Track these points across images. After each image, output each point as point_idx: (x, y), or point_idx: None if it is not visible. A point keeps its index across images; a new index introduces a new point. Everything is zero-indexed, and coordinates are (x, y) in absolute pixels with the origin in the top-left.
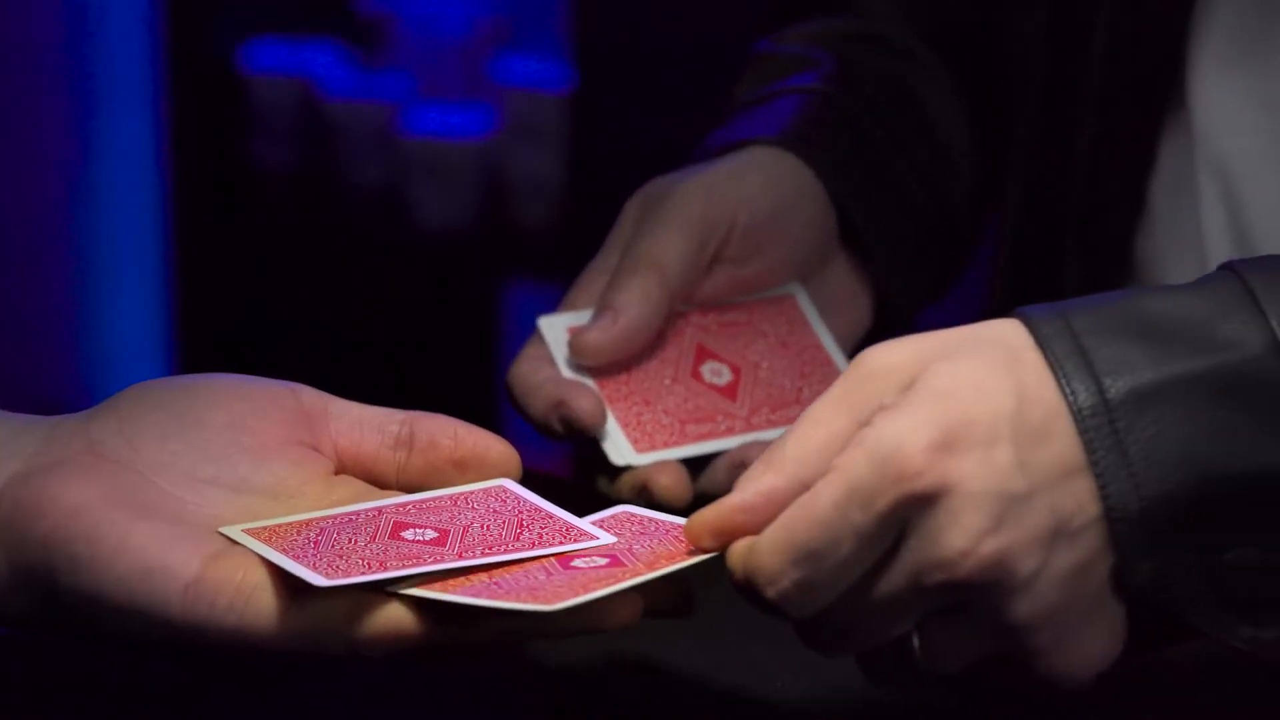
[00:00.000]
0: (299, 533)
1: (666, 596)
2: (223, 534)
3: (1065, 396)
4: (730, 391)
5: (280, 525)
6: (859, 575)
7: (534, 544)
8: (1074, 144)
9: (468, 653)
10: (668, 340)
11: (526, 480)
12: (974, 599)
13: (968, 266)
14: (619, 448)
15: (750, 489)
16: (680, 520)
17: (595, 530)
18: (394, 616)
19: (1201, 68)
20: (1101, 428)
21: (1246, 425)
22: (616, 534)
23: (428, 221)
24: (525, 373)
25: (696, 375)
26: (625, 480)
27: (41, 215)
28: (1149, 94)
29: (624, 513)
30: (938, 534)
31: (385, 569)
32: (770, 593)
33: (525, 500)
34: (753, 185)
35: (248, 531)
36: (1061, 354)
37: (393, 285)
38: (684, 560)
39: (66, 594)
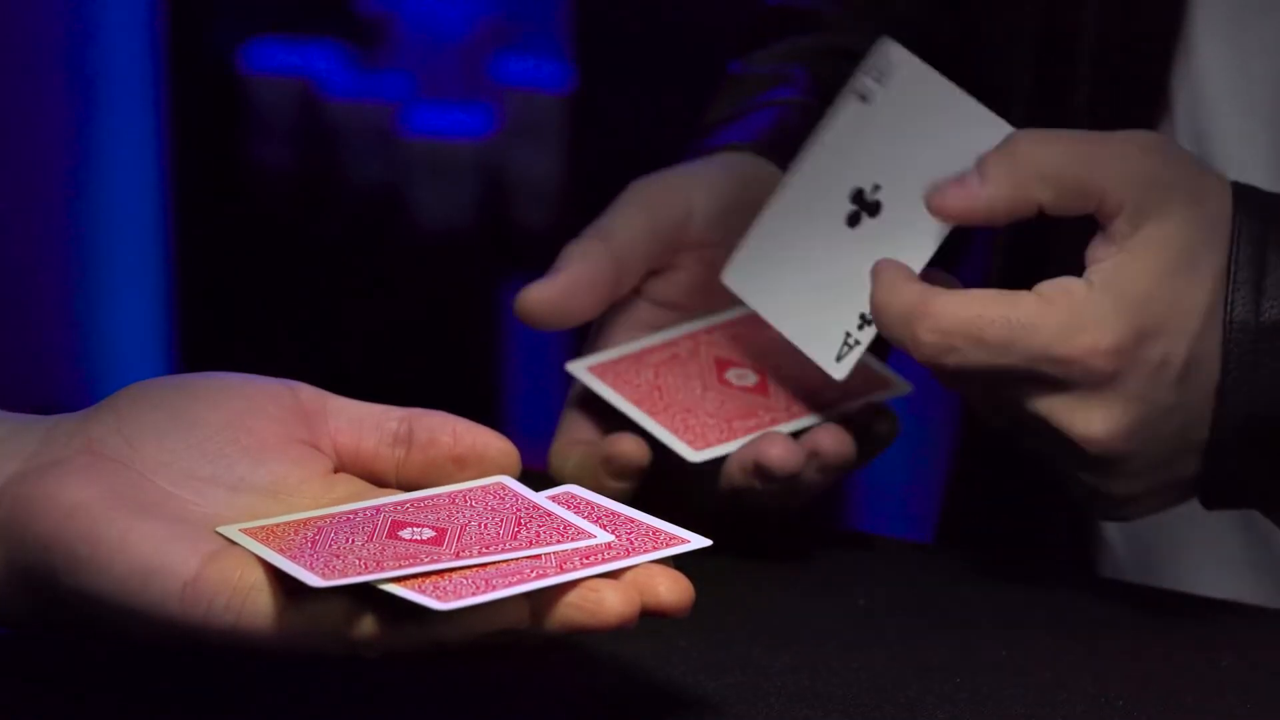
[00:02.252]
0: (296, 532)
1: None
2: (220, 534)
3: (1224, 304)
4: (761, 389)
5: (277, 525)
6: (1000, 378)
7: (531, 542)
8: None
9: (465, 653)
10: (684, 360)
11: (527, 479)
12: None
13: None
14: (680, 450)
15: (999, 188)
16: (627, 509)
17: (593, 529)
18: (392, 617)
19: (1198, 48)
20: (1244, 345)
21: None
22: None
23: (428, 221)
24: (561, 454)
25: (724, 382)
26: (734, 461)
27: (41, 215)
28: (1140, 87)
29: (567, 493)
30: (1087, 408)
31: (381, 569)
32: (926, 337)
33: (524, 498)
34: (714, 174)
35: (245, 531)
36: (1242, 259)
37: (392, 285)
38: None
39: (65, 594)
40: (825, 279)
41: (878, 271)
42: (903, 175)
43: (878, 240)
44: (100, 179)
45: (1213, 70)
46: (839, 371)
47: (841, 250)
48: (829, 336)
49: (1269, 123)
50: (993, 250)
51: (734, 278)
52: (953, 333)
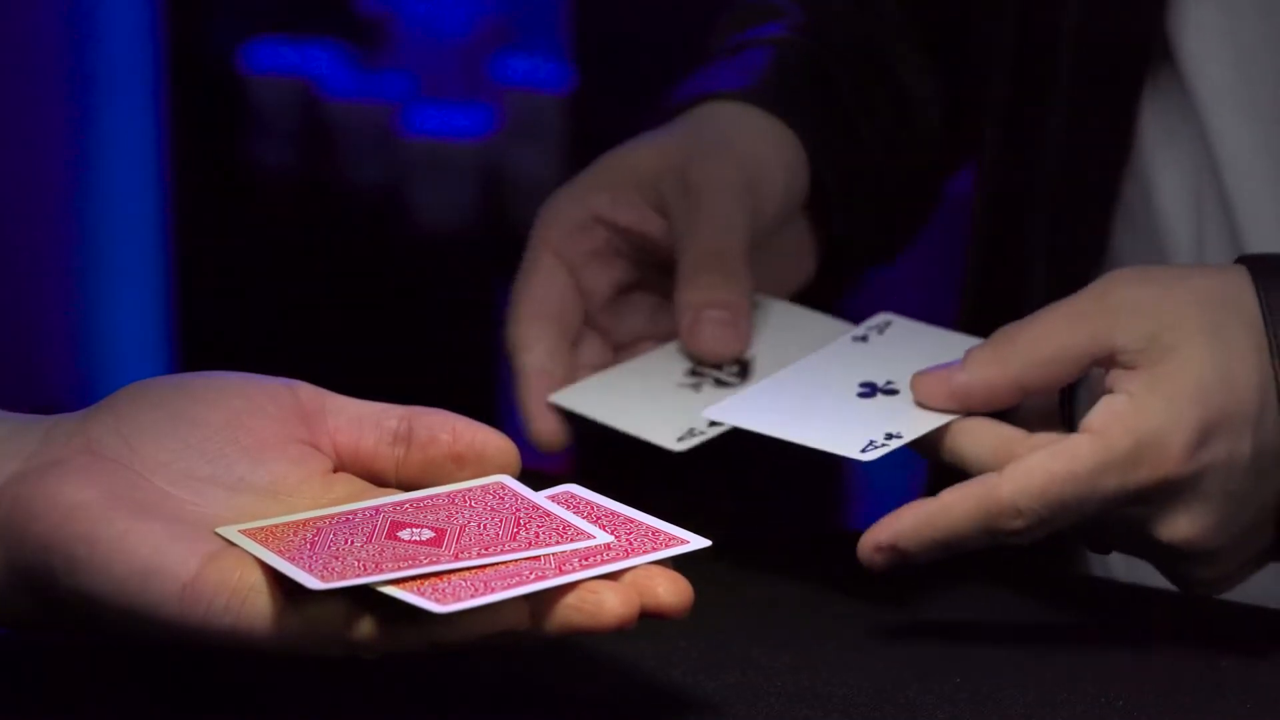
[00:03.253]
0: (295, 533)
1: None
2: (219, 535)
3: (1275, 380)
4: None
5: (277, 525)
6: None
7: (530, 543)
8: (1047, 120)
9: (462, 653)
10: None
11: (526, 478)
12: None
13: (921, 229)
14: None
15: (977, 373)
16: (626, 509)
17: (592, 529)
18: (390, 618)
19: (1183, 13)
20: None
21: None
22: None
23: (428, 221)
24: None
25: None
26: None
27: (41, 215)
28: (1119, 93)
29: (567, 492)
30: (1172, 516)
31: (380, 570)
32: (1011, 525)
33: (523, 498)
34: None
35: (244, 532)
36: (1278, 330)
37: (392, 285)
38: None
39: (64, 594)
40: (838, 408)
41: (938, 510)
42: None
43: (893, 410)
44: (100, 179)
45: (1207, 69)
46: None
47: (853, 410)
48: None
49: (1268, 121)
50: (965, 267)
51: (722, 412)
52: (1033, 511)
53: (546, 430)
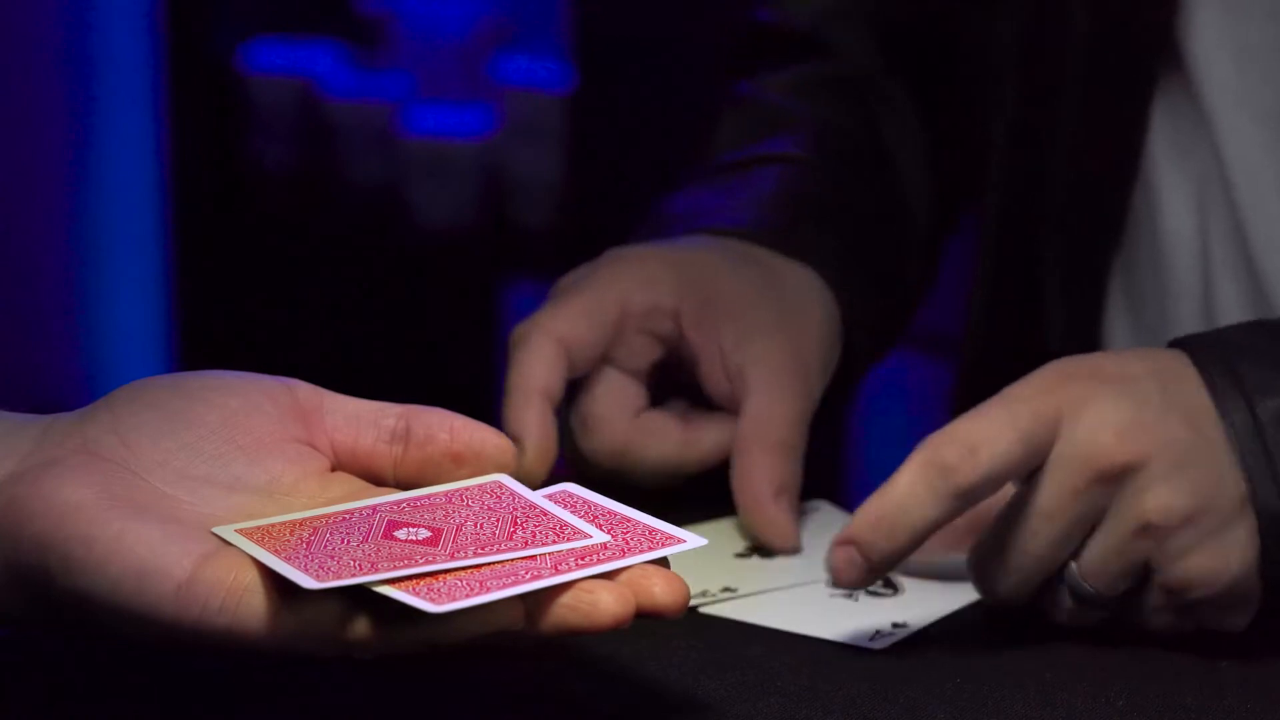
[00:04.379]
0: (291, 533)
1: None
2: (215, 534)
3: (1221, 415)
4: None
5: (273, 525)
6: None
7: (527, 543)
8: (1055, 140)
9: (459, 654)
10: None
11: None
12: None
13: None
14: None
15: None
16: (623, 508)
17: (589, 528)
18: (386, 618)
19: (1190, 17)
20: (1253, 442)
21: None
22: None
23: (428, 221)
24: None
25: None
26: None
27: (42, 215)
28: (1134, 79)
29: (564, 491)
30: (1136, 496)
31: (376, 570)
32: (956, 461)
33: (520, 497)
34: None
35: (240, 532)
36: (1217, 376)
37: (392, 285)
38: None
39: (60, 594)
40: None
41: (886, 485)
42: None
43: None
44: (100, 179)
45: (1215, 74)
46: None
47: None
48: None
49: (1276, 126)
50: (970, 294)
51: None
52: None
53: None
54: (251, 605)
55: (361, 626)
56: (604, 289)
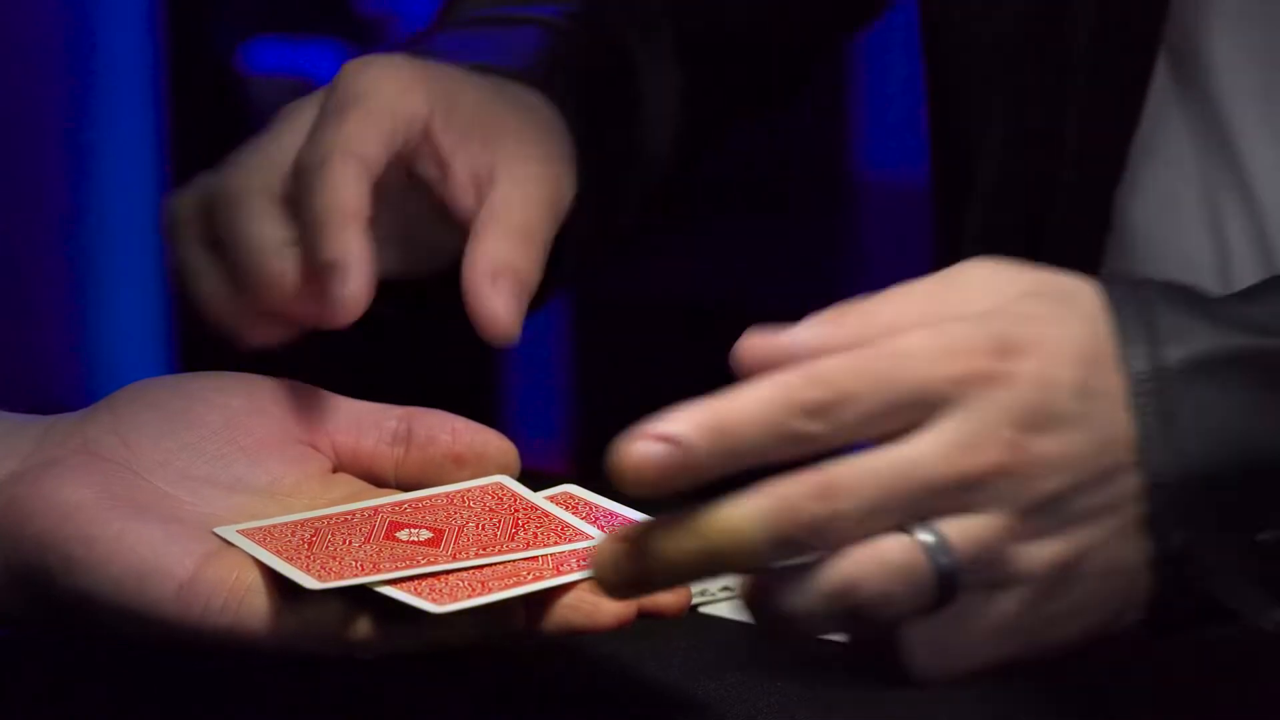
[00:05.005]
0: (293, 534)
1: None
2: (217, 535)
3: (1124, 360)
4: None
5: (275, 526)
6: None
7: (528, 544)
8: (1063, 116)
9: (459, 654)
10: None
11: (526, 478)
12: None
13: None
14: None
15: (811, 331)
16: (622, 509)
17: (590, 530)
18: (387, 618)
19: (1210, 27)
20: (1151, 394)
21: None
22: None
23: None
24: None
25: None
26: None
27: (41, 215)
28: (1138, 62)
29: (566, 493)
30: (975, 416)
31: (378, 570)
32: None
33: (522, 498)
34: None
35: (242, 532)
36: (1128, 317)
37: (392, 285)
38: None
39: (61, 594)
40: None
41: (728, 394)
42: None
43: None
44: (100, 179)
45: (1227, 77)
46: None
47: None
48: None
49: None
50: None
51: None
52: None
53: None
54: (253, 605)
55: (363, 627)
56: (373, 100)
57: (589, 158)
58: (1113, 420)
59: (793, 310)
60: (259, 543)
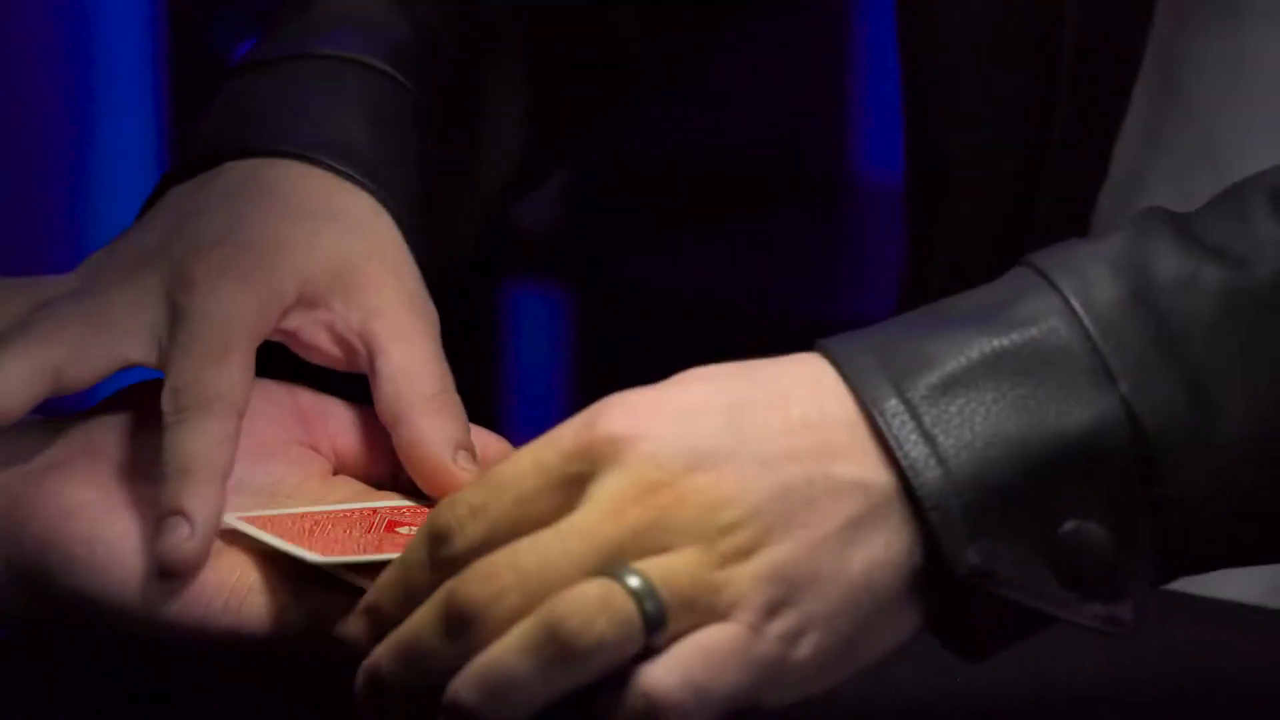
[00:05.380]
0: (295, 523)
1: None
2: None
3: (865, 407)
4: None
5: (277, 515)
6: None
7: None
8: (1051, 118)
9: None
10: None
11: None
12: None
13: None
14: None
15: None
16: None
17: None
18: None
19: (1187, 29)
20: (905, 425)
21: (1050, 394)
22: None
23: None
24: None
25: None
26: None
27: (41, 215)
28: (1121, 66)
29: None
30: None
31: (381, 550)
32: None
33: None
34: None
35: (245, 519)
36: (861, 368)
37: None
38: None
39: (62, 594)
40: None
41: None
42: None
43: None
44: (100, 179)
45: (1212, 80)
46: None
47: None
48: None
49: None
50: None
51: None
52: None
53: None
54: (256, 604)
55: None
56: (216, 325)
57: (429, 190)
58: (865, 469)
59: (792, 310)
60: (262, 528)
